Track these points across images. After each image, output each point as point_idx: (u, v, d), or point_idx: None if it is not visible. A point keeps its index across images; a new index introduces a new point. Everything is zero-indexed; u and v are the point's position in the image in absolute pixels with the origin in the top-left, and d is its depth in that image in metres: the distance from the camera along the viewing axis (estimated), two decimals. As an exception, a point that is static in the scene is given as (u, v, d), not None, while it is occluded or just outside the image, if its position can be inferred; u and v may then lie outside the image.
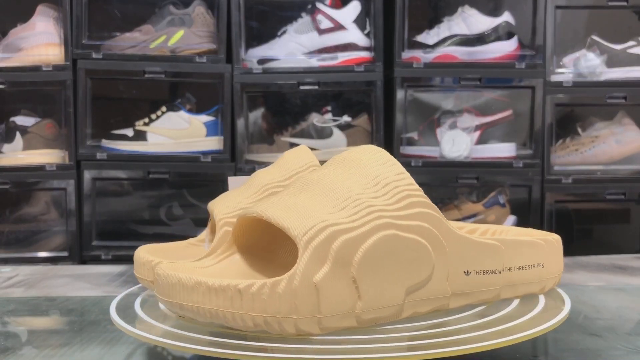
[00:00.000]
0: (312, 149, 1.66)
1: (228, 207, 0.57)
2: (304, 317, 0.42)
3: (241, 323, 0.43)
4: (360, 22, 1.68)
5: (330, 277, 0.43)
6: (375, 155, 0.50)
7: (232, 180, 0.70)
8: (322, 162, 0.58)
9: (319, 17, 1.68)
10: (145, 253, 0.57)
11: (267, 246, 0.50)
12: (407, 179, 0.49)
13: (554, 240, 0.57)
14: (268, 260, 0.50)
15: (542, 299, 0.54)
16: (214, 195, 0.65)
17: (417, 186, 0.49)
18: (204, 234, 0.63)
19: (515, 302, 0.54)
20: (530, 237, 0.56)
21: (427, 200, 0.49)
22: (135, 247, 0.61)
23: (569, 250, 1.96)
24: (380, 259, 0.45)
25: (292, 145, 1.67)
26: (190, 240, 0.63)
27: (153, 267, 0.53)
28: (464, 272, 0.50)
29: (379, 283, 0.45)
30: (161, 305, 0.54)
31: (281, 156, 0.64)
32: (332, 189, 0.48)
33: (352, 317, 0.44)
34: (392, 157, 0.51)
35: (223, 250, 0.50)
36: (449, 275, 0.49)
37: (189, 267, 0.47)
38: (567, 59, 1.68)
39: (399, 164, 0.50)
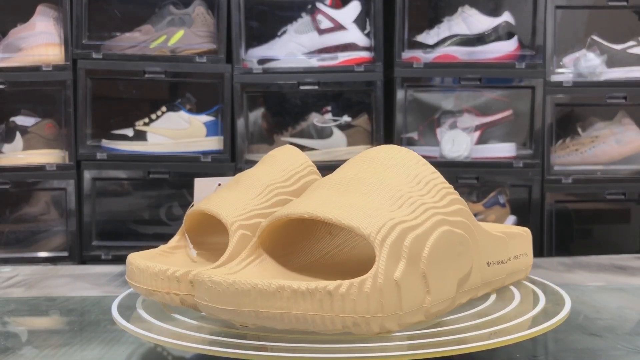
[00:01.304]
0: (312, 149, 1.67)
1: (237, 209, 0.55)
2: (388, 314, 0.42)
3: (330, 326, 0.41)
4: (360, 22, 1.68)
5: (407, 273, 0.43)
6: (407, 155, 0.52)
7: (199, 182, 0.65)
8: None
9: (319, 17, 1.68)
10: (140, 259, 0.55)
11: (283, 249, 0.50)
12: (441, 177, 0.51)
13: (528, 232, 0.63)
14: (288, 263, 0.49)
15: (542, 299, 0.55)
16: (214, 195, 0.65)
17: (449, 184, 0.51)
18: (175, 240, 0.59)
19: (515, 301, 0.54)
20: (513, 229, 0.61)
21: (459, 196, 0.51)
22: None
23: (569, 250, 1.94)
24: (442, 254, 0.46)
25: (292, 145, 1.67)
26: (163, 247, 0.58)
27: (168, 275, 0.50)
28: (486, 263, 0.53)
29: (441, 277, 0.46)
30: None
31: (269, 155, 0.63)
32: (383, 187, 0.48)
33: (422, 312, 0.45)
34: (420, 156, 0.52)
35: (248, 254, 0.48)
36: (480, 267, 0.52)
37: (224, 272, 0.45)
38: (567, 59, 1.68)
39: (429, 164, 0.52)
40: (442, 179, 0.51)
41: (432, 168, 0.51)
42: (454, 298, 0.48)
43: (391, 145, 0.54)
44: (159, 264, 0.52)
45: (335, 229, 0.54)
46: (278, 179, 0.59)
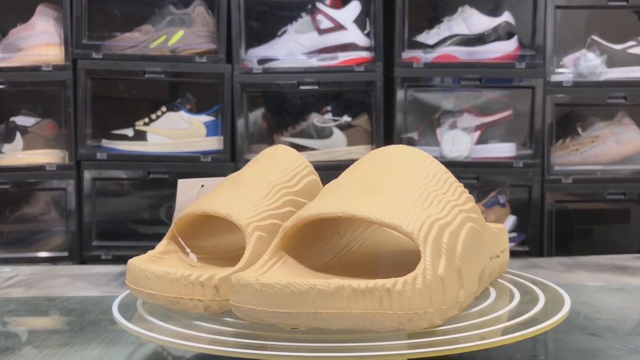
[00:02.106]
0: (312, 149, 1.67)
1: (248, 210, 0.53)
2: (436, 310, 0.43)
3: (388, 324, 0.41)
4: (360, 22, 1.68)
5: (447, 268, 0.44)
6: (420, 154, 0.53)
7: (182, 183, 0.62)
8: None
9: (319, 17, 1.68)
10: (154, 265, 0.52)
11: (296, 250, 0.49)
12: (452, 176, 0.53)
13: (505, 228, 0.65)
14: (306, 265, 0.49)
15: (541, 298, 0.55)
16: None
17: (459, 181, 0.53)
18: (164, 245, 0.56)
19: (515, 301, 0.54)
20: (496, 225, 0.62)
21: (469, 193, 0.53)
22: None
23: (569, 250, 1.94)
24: (469, 249, 0.48)
25: (292, 145, 1.67)
26: (152, 253, 0.55)
27: (192, 280, 0.48)
28: (490, 257, 0.54)
29: (470, 272, 0.47)
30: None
31: (265, 154, 0.61)
32: (410, 186, 0.49)
33: (457, 306, 0.46)
34: (430, 155, 0.54)
35: (271, 256, 0.47)
36: (488, 262, 0.54)
37: (252, 275, 0.44)
38: (567, 59, 1.68)
39: (440, 162, 0.54)
40: (453, 177, 0.52)
41: (444, 167, 0.53)
42: (476, 291, 0.50)
43: (400, 145, 0.55)
44: (177, 269, 0.49)
45: (343, 228, 0.53)
46: (282, 178, 0.58)
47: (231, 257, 0.56)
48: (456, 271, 0.45)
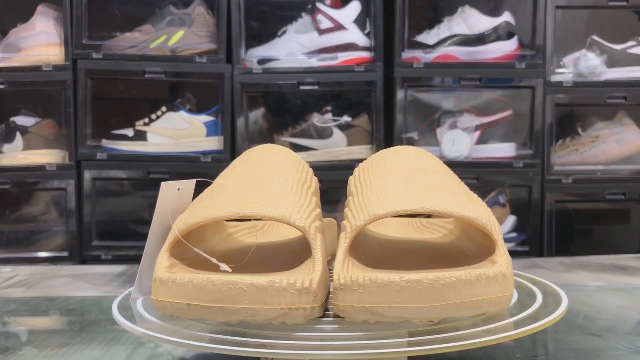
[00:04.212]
0: (312, 149, 1.67)
1: (299, 212, 0.50)
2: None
3: (499, 307, 0.45)
4: (360, 22, 1.68)
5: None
6: (431, 155, 0.58)
7: (165, 185, 0.55)
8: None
9: (319, 17, 1.68)
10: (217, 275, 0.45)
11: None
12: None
13: None
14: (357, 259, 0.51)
15: (539, 297, 0.55)
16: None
17: None
18: (165, 259, 0.48)
19: (513, 299, 0.54)
20: None
21: None
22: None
23: (569, 250, 1.94)
24: None
25: (292, 145, 1.67)
26: (160, 275, 0.46)
27: (298, 288, 0.43)
28: None
29: None
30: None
31: (261, 153, 0.59)
32: (451, 182, 0.54)
33: None
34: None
35: (345, 255, 0.47)
36: None
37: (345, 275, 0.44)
38: (567, 59, 1.68)
39: None
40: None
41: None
42: None
43: (409, 146, 0.59)
44: (274, 277, 0.44)
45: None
46: (298, 178, 0.56)
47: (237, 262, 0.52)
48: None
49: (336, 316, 0.46)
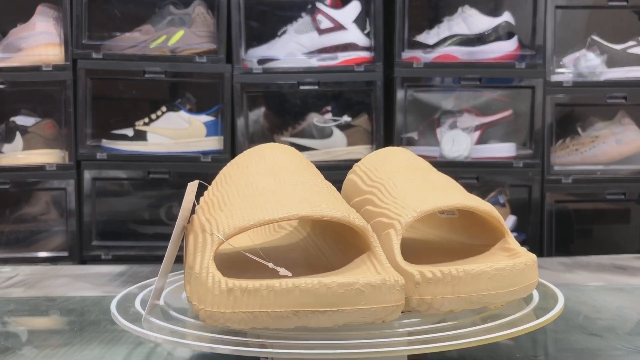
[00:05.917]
0: (312, 148, 1.67)
1: (348, 213, 0.47)
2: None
3: (531, 291, 0.50)
4: (360, 22, 1.68)
5: None
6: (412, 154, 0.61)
7: (192, 185, 0.51)
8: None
9: (319, 17, 1.68)
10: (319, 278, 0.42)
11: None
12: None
13: None
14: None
15: (536, 296, 0.55)
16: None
17: None
18: (210, 265, 0.44)
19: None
20: None
21: None
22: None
23: (569, 250, 1.93)
24: None
25: (292, 145, 1.67)
26: (213, 288, 0.42)
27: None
28: None
29: None
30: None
31: (265, 152, 0.55)
32: (450, 182, 0.56)
33: None
34: None
35: (398, 250, 0.48)
36: None
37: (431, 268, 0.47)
38: (567, 59, 1.68)
39: None
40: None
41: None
42: None
43: (400, 147, 0.62)
44: (377, 275, 0.43)
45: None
46: (321, 177, 0.54)
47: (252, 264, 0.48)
48: None
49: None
